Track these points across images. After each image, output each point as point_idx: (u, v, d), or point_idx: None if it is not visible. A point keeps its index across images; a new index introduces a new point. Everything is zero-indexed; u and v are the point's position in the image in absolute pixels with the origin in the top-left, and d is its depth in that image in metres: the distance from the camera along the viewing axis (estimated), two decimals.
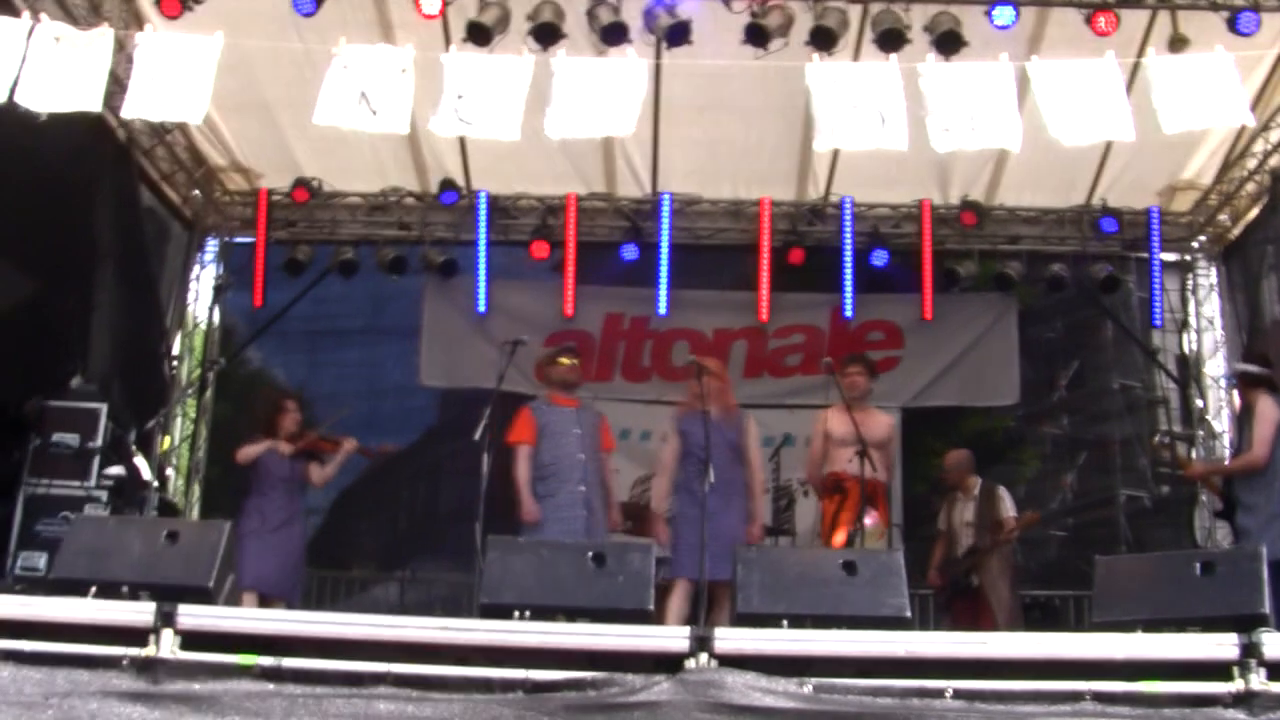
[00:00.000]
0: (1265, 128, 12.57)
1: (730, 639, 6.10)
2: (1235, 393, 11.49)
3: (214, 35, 9.11)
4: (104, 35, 9.02)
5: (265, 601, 9.87)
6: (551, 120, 9.14)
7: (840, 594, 6.74)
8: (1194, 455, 14.09)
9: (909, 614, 6.77)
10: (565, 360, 10.35)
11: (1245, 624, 6.00)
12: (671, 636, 6.18)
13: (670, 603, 9.41)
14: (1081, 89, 8.89)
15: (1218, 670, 5.80)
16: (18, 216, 10.43)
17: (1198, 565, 6.80)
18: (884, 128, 8.87)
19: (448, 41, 11.51)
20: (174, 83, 8.98)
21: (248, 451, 10.46)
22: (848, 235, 14.14)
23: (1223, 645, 5.83)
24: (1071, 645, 6.26)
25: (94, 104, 8.96)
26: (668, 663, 5.99)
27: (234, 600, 7.24)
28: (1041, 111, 8.98)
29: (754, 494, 10.09)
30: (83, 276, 11.76)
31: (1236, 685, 5.72)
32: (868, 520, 9.83)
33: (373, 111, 8.97)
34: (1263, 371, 10.39)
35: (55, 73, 8.70)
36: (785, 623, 6.56)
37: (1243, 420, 10.59)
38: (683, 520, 9.81)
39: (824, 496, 10.31)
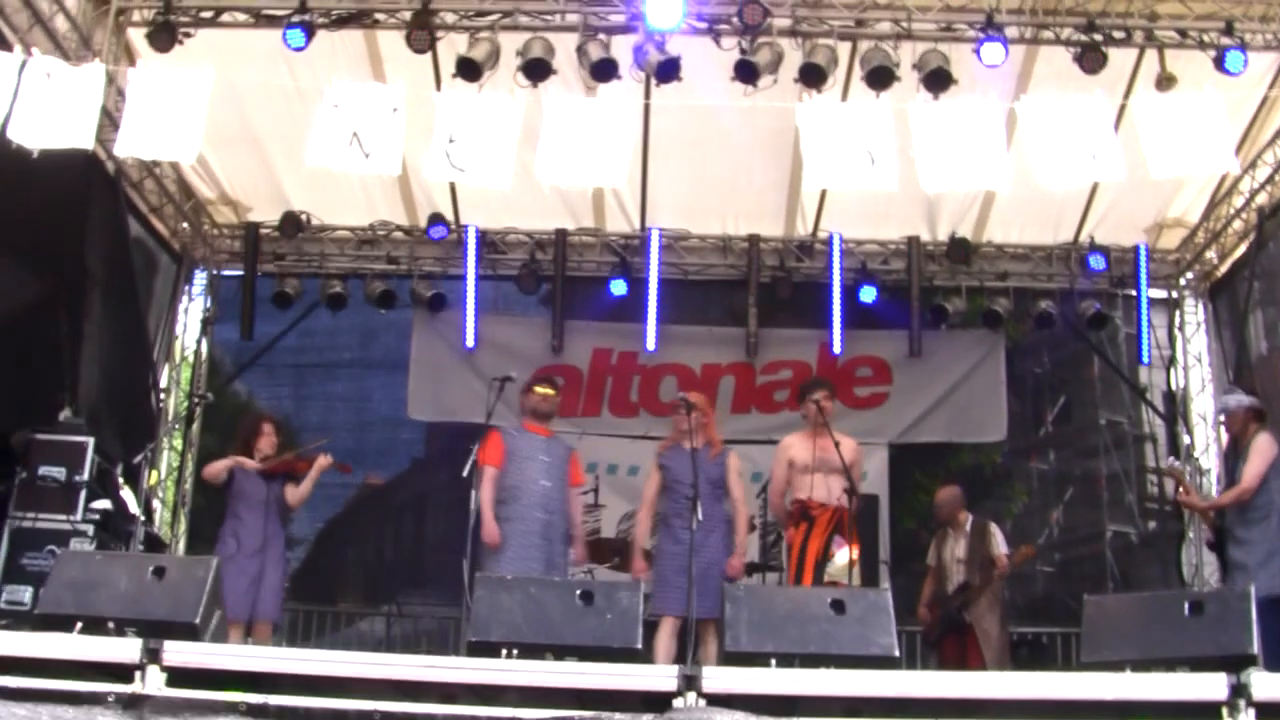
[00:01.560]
0: (1252, 165, 12.61)
1: (718, 678, 6.07)
2: (1223, 427, 11.41)
3: (204, 70, 9.13)
4: (95, 71, 9.04)
5: (250, 628, 9.81)
6: (542, 165, 9.18)
7: (828, 632, 6.73)
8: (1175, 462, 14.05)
9: (897, 653, 6.77)
10: (540, 390, 10.30)
11: (1234, 664, 5.98)
12: (660, 675, 6.14)
13: (658, 641, 9.39)
14: (1070, 129, 8.93)
15: (1207, 711, 5.77)
16: (6, 245, 10.41)
17: (1187, 605, 6.78)
18: (873, 168, 8.90)
19: (438, 76, 11.56)
20: (166, 121, 9.00)
21: (214, 467, 10.43)
22: (836, 271, 14.14)
23: (1212, 685, 5.81)
24: (1060, 685, 6.23)
25: (86, 141, 8.98)
26: (656, 702, 5.97)
27: (221, 636, 7.21)
28: (1029, 156, 9.01)
29: (738, 528, 10.06)
30: (71, 307, 11.73)
31: None
32: (834, 548, 9.77)
33: (365, 154, 8.99)
34: (1256, 403, 10.40)
35: (47, 109, 8.70)
36: (773, 661, 6.54)
37: (1230, 455, 10.59)
38: (662, 556, 9.83)
39: (789, 525, 10.19)
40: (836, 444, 9.86)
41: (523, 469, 9.90)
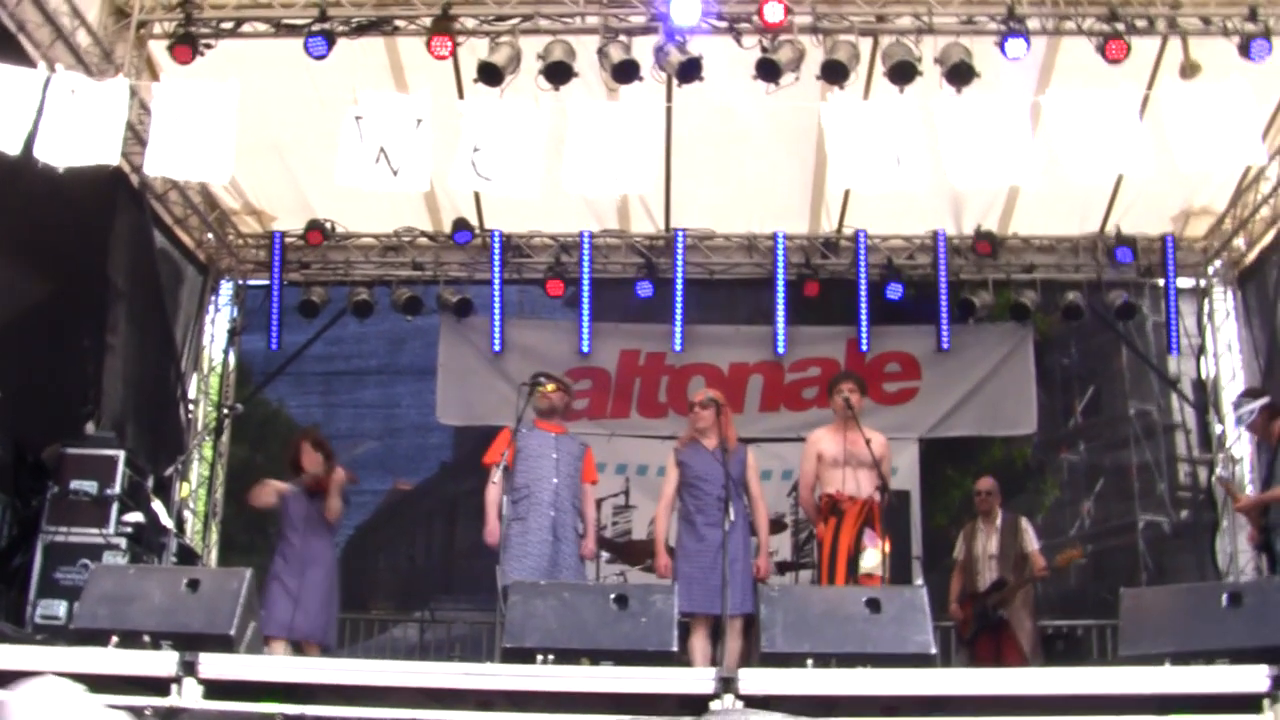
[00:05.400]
0: (1279, 152, 12.52)
1: (755, 680, 6.06)
2: (1248, 425, 11.27)
3: (230, 85, 9.13)
4: (119, 86, 9.04)
5: (297, 647, 9.85)
6: (569, 174, 9.16)
7: (865, 632, 6.70)
8: (1223, 471, 14.01)
9: (934, 651, 6.73)
10: (543, 387, 10.22)
11: (1275, 655, 5.94)
12: (697, 678, 6.15)
13: (693, 643, 9.37)
14: (1095, 121, 8.87)
15: (1248, 703, 5.76)
16: (32, 258, 10.46)
17: (1225, 596, 6.74)
18: (899, 167, 8.86)
19: (459, 81, 11.57)
20: (195, 140, 9.00)
21: (252, 496, 10.47)
22: (862, 267, 14.12)
23: (1253, 677, 5.79)
24: (1100, 680, 6.20)
25: (112, 158, 8.98)
26: (693, 704, 5.97)
27: (256, 648, 7.21)
28: (1055, 146, 8.96)
29: (759, 526, 10.05)
30: (95, 320, 11.77)
31: (1268, 718, 5.68)
32: (865, 540, 9.71)
33: (393, 171, 8.99)
34: (1268, 401, 10.36)
35: (72, 127, 8.70)
36: (810, 662, 6.52)
37: (1264, 451, 10.55)
38: (687, 554, 9.76)
39: (819, 521, 10.13)
40: (868, 441, 9.83)
41: (531, 468, 9.85)
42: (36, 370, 10.60)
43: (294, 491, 10.32)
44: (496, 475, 9.31)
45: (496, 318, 14.54)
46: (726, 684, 5.96)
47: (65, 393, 11.20)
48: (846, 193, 13.74)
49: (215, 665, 6.17)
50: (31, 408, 10.39)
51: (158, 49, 11.39)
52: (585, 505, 10.19)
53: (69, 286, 11.17)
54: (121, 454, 10.67)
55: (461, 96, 11.49)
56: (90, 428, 11.12)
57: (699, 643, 9.41)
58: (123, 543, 10.40)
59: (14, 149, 8.58)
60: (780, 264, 14.17)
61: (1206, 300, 14.92)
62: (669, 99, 11.38)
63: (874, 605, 6.79)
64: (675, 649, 6.72)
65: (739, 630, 9.31)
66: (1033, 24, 10.74)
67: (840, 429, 10.06)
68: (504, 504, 9.25)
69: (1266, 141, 11.43)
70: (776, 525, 12.62)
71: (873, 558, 9.66)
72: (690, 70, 10.65)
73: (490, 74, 10.57)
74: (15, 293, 10.28)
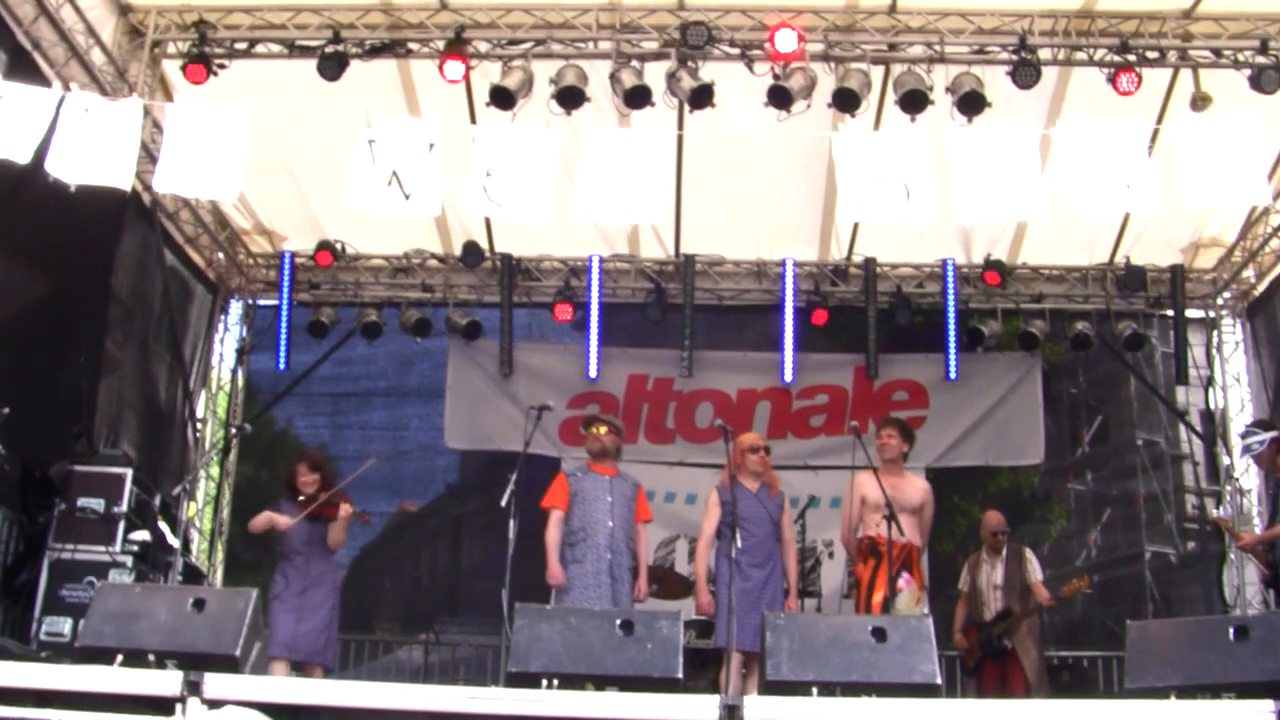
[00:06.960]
0: None
1: (760, 708, 6.05)
2: (1256, 457, 11.22)
3: (242, 106, 9.15)
4: (133, 107, 9.05)
5: (298, 668, 9.82)
6: (580, 201, 9.16)
7: (870, 661, 6.68)
8: (1223, 511, 13.98)
9: (939, 681, 6.71)
10: (593, 429, 10.32)
11: None
12: (701, 706, 6.12)
13: (723, 674, 9.37)
14: (1104, 157, 8.84)
15: None
16: (41, 274, 10.47)
17: (1232, 630, 6.72)
18: (908, 200, 8.85)
19: (471, 105, 11.60)
20: (205, 158, 9.00)
21: (255, 523, 10.43)
22: (871, 295, 14.10)
23: (1259, 713, 5.77)
24: (1105, 713, 6.19)
25: (124, 181, 8.97)
26: None
27: (261, 668, 7.20)
28: (1064, 183, 8.94)
29: (789, 569, 10.11)
30: (92, 335, 11.77)
31: None
32: (902, 583, 9.77)
33: (405, 194, 8.99)
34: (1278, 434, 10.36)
35: (85, 145, 8.71)
36: (815, 691, 6.50)
37: (1270, 485, 10.53)
38: (724, 590, 9.76)
39: (859, 561, 10.22)
40: (883, 487, 9.85)
41: (587, 511, 9.95)
42: (35, 386, 10.60)
43: (292, 519, 10.25)
44: (505, 501, 9.28)
45: (505, 341, 14.52)
46: (731, 711, 5.95)
47: (61, 409, 11.19)
48: (856, 221, 13.74)
49: (220, 685, 6.16)
50: (31, 423, 10.38)
51: (172, 69, 11.44)
52: (638, 544, 10.25)
53: (69, 300, 11.16)
54: (129, 472, 10.67)
55: (474, 120, 11.49)
56: (82, 444, 11.11)
57: (734, 677, 9.39)
58: (129, 561, 10.38)
59: (24, 158, 8.59)
60: (789, 291, 14.16)
61: (1215, 331, 14.93)
62: (680, 125, 11.40)
63: (879, 634, 6.78)
64: (680, 676, 6.70)
65: None
66: (1044, 54, 10.78)
67: (883, 473, 10.09)
68: (516, 526, 9.23)
69: (1274, 180, 11.43)
70: None
71: (907, 595, 9.74)
72: (702, 97, 10.67)
73: (502, 98, 10.60)
74: (14, 303, 10.27)
